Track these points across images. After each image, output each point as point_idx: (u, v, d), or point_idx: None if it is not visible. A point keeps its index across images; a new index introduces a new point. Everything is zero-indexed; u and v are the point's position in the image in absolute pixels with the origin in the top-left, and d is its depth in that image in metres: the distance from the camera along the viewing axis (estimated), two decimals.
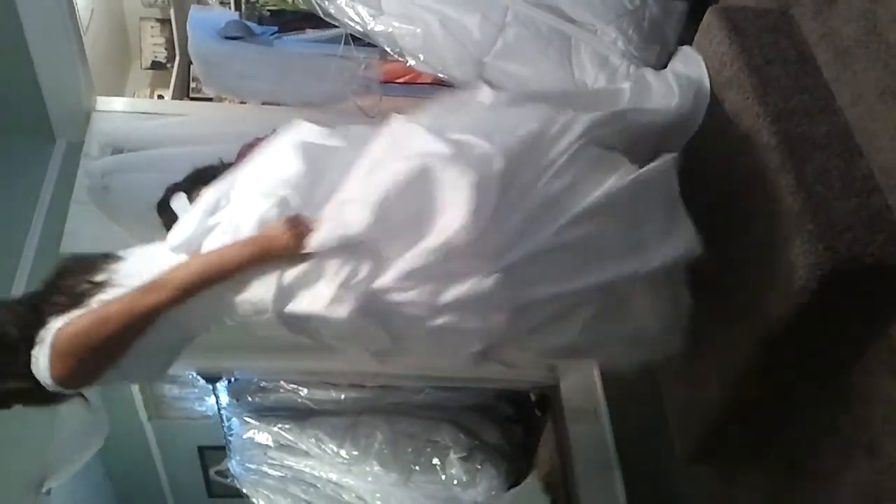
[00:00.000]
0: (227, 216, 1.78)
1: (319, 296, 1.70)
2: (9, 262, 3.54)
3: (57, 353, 1.58)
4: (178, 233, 1.79)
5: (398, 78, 3.65)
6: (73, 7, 3.59)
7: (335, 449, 4.05)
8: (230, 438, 4.29)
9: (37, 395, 1.67)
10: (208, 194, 1.83)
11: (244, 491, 4.38)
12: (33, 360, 1.62)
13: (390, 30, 2.64)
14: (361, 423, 4.07)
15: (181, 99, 5.16)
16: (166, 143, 3.66)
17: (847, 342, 2.01)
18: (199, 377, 4.06)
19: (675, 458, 2.46)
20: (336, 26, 2.81)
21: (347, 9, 2.68)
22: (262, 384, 4.21)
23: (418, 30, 2.61)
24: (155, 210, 2.03)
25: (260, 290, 1.72)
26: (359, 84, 3.67)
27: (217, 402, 4.24)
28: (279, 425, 4.11)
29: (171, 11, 5.11)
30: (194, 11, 4.01)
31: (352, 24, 2.69)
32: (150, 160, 3.42)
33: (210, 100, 4.99)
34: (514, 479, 4.14)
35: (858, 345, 2.00)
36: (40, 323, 1.64)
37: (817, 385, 2.12)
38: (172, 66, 5.31)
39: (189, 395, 4.32)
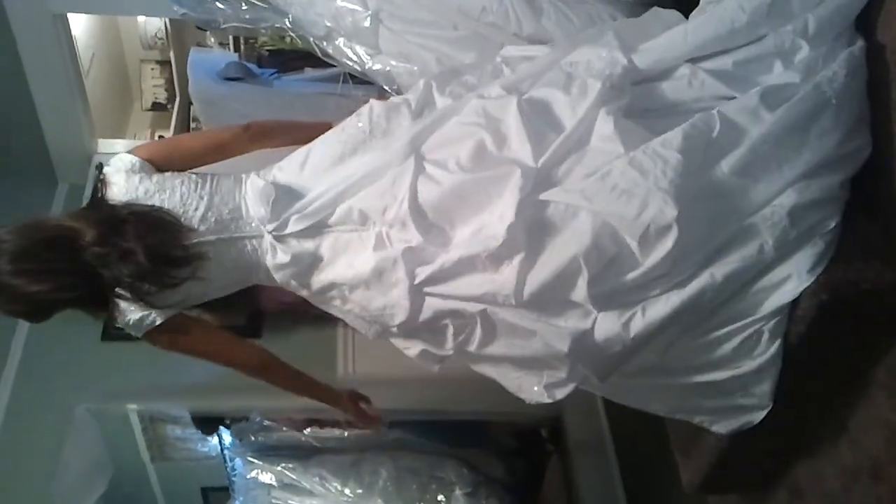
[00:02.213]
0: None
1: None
2: None
3: (153, 337, 1.90)
4: (286, 271, 1.90)
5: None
6: (75, 51, 3.65)
7: (339, 487, 4.01)
8: (234, 479, 4.25)
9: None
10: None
11: None
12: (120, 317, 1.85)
13: (388, 68, 2.67)
14: (365, 461, 4.04)
15: None
16: None
17: (846, 368, 2.01)
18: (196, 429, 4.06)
19: (680, 489, 2.45)
20: (334, 65, 2.84)
21: (346, 49, 2.71)
22: (265, 423, 4.20)
23: (415, 68, 2.64)
24: None
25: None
26: None
27: (220, 442, 4.21)
28: (283, 464, 4.08)
29: (171, 53, 5.18)
30: (194, 53, 4.06)
31: (350, 63, 2.72)
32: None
33: None
34: None
35: (858, 370, 2.00)
36: None
37: (819, 412, 2.11)
38: (173, 108, 5.36)
39: (192, 435, 4.30)
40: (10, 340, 3.47)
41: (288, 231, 1.85)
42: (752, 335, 1.84)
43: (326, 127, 1.99)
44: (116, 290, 1.76)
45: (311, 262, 1.88)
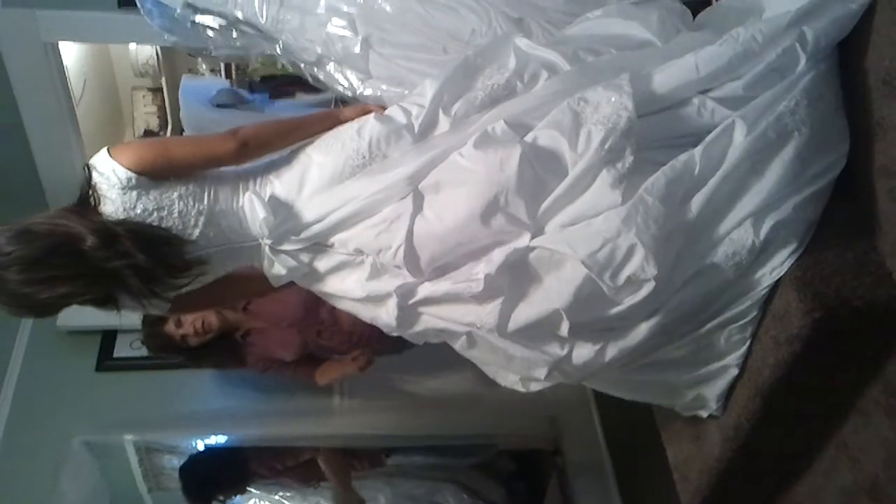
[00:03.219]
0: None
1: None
2: (6, 337, 3.54)
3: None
4: (282, 279, 1.97)
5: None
6: (66, 79, 3.65)
7: None
8: None
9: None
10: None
11: None
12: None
13: (379, 93, 2.67)
14: (363, 488, 4.01)
15: None
16: None
17: (843, 387, 2.00)
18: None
19: None
20: (325, 90, 2.84)
21: (336, 74, 2.71)
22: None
23: (406, 92, 2.64)
24: None
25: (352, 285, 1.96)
26: None
27: None
28: (280, 493, 4.05)
29: (163, 80, 5.17)
30: (185, 80, 4.07)
31: (341, 88, 2.72)
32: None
33: None
34: None
35: (854, 389, 2.00)
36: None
37: (817, 432, 2.11)
38: (165, 134, 5.35)
39: None
40: (4, 373, 3.45)
41: (284, 248, 1.93)
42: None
43: (320, 125, 2.06)
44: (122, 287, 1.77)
45: (308, 273, 1.98)
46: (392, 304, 1.92)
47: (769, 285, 1.91)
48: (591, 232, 1.81)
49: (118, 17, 3.21)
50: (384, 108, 2.07)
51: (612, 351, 1.94)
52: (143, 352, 3.43)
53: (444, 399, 3.41)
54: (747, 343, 2.00)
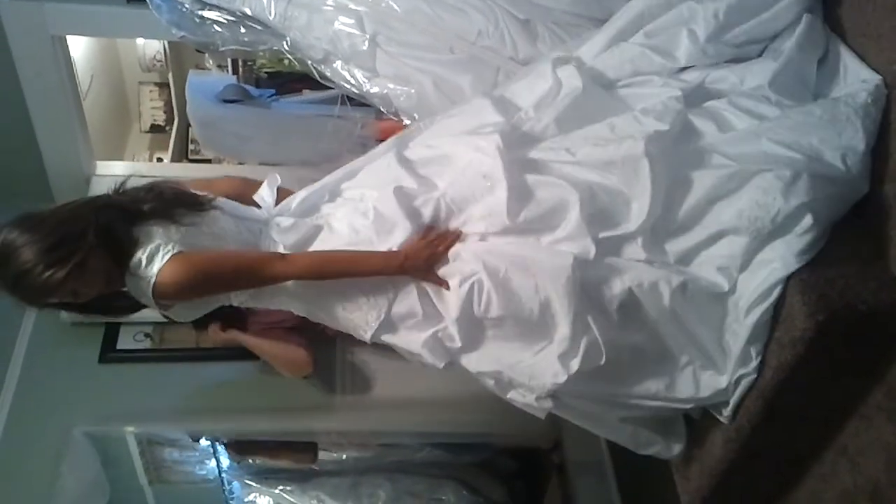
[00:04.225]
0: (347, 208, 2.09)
1: (415, 340, 2.03)
2: (9, 327, 3.55)
3: (167, 274, 1.79)
4: (287, 236, 2.02)
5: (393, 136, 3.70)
6: (73, 73, 3.66)
7: None
8: (231, 502, 4.23)
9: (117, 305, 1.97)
10: (300, 196, 2.12)
11: None
12: (136, 261, 1.81)
13: (385, 91, 2.68)
14: (364, 483, 4.01)
15: (180, 161, 5.22)
16: None
17: (845, 390, 2.01)
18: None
19: None
20: (332, 88, 2.85)
21: (343, 72, 2.72)
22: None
23: (412, 90, 2.65)
24: None
25: (366, 316, 2.02)
26: (355, 143, 3.73)
27: (218, 465, 4.19)
28: (280, 487, 4.05)
29: (170, 75, 5.19)
30: (192, 76, 4.08)
31: (348, 86, 2.73)
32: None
33: (209, 161, 5.04)
34: None
35: (856, 392, 2.00)
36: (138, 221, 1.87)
37: (818, 435, 2.11)
38: (171, 129, 5.37)
39: (189, 458, 4.28)
40: (8, 363, 3.46)
41: (290, 212, 2.08)
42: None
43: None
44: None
45: (313, 233, 2.05)
46: (403, 225, 2.00)
47: None
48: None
49: (127, 12, 3.21)
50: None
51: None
52: (147, 344, 3.45)
53: (444, 396, 3.42)
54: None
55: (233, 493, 4.16)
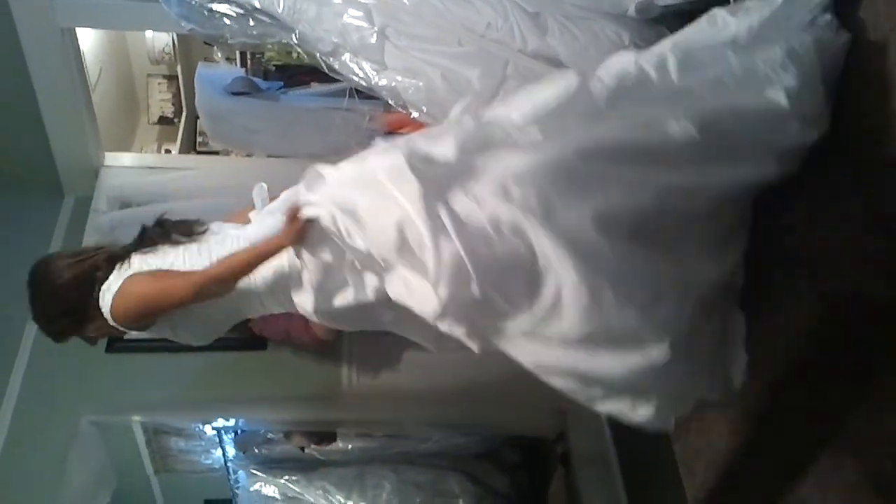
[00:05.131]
0: None
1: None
2: (17, 316, 3.56)
3: (120, 299, 1.92)
4: (259, 231, 2.02)
5: (401, 128, 3.71)
6: (82, 65, 3.67)
7: (343, 500, 4.01)
8: (237, 491, 4.26)
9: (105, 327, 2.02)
10: (284, 195, 2.08)
11: None
12: (101, 294, 1.95)
13: (394, 84, 2.69)
14: (369, 474, 4.04)
15: (188, 153, 5.23)
16: (174, 196, 3.71)
17: (852, 384, 2.01)
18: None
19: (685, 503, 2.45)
20: (341, 80, 2.86)
21: (352, 64, 2.73)
22: (269, 436, 4.20)
23: (421, 83, 2.65)
24: None
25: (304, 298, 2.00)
26: (363, 135, 3.73)
27: (223, 454, 4.22)
28: (286, 477, 4.08)
29: (178, 68, 5.21)
30: (201, 68, 4.08)
31: (356, 79, 2.73)
32: (158, 214, 3.46)
33: (216, 153, 5.06)
34: None
35: (864, 386, 2.00)
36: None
37: (825, 428, 2.12)
38: (179, 121, 5.39)
39: (195, 447, 4.30)
40: (14, 353, 3.48)
41: None
42: None
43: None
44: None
45: None
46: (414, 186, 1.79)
47: None
48: None
49: (136, 4, 3.21)
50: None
51: None
52: None
53: (449, 387, 3.43)
54: None
55: (238, 483, 4.19)
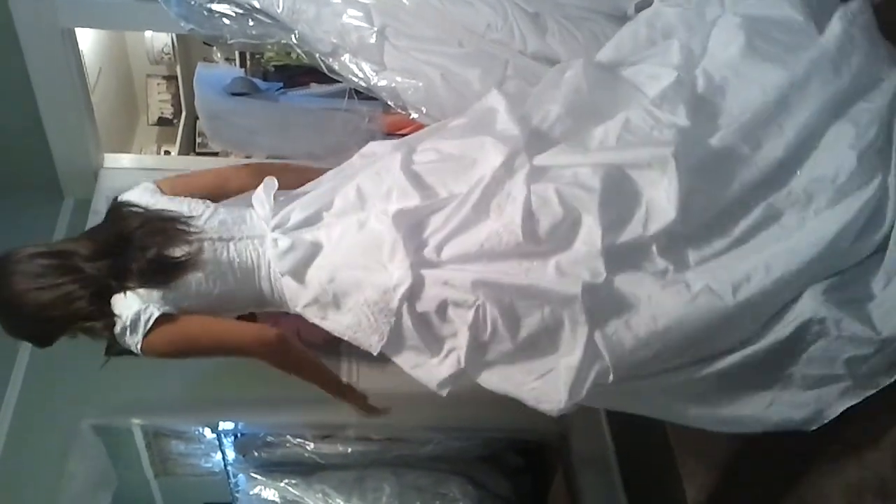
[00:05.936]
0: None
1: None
2: None
3: (152, 342, 1.87)
4: (284, 262, 1.95)
5: (401, 129, 3.71)
6: (82, 66, 3.66)
7: (343, 503, 4.00)
8: (237, 495, 4.24)
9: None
10: (304, 202, 2.03)
11: None
12: (120, 330, 1.88)
13: (393, 84, 2.68)
14: (369, 477, 4.02)
15: (187, 154, 5.22)
16: None
17: None
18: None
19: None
20: (340, 81, 2.85)
21: (351, 65, 2.72)
22: (269, 439, 4.19)
23: (420, 84, 2.65)
24: None
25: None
26: (362, 136, 3.73)
27: (223, 458, 4.21)
28: (286, 481, 4.07)
29: (178, 68, 5.19)
30: (200, 68, 4.08)
31: (355, 79, 2.73)
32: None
33: (216, 154, 5.04)
34: None
35: None
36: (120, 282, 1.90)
37: (825, 431, 2.10)
38: (179, 122, 5.38)
39: (195, 451, 4.29)
40: (14, 356, 3.47)
41: (290, 224, 1.98)
42: None
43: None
44: (120, 281, 1.89)
45: (312, 252, 1.95)
46: (401, 254, 1.89)
47: None
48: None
49: (135, 5, 3.20)
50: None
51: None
52: None
53: (451, 391, 3.41)
54: None
55: (238, 486, 4.18)
